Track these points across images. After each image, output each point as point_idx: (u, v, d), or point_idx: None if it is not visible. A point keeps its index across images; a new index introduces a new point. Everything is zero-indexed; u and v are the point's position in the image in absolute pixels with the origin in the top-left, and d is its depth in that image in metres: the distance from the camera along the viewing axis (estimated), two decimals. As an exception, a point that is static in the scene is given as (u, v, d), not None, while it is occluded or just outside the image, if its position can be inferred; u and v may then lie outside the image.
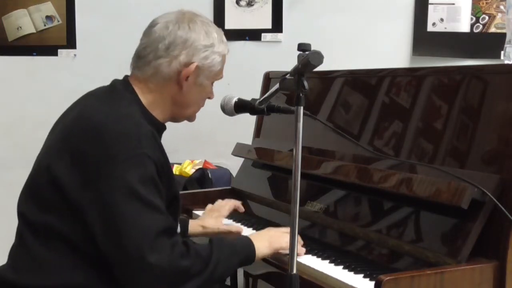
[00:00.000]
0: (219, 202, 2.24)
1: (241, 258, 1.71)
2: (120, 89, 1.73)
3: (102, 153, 1.55)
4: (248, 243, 1.75)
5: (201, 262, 1.60)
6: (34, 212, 1.63)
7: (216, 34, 1.78)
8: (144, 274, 1.52)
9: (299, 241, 1.80)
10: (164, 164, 1.65)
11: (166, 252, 1.54)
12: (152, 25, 1.76)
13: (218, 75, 1.81)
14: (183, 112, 1.81)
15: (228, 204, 2.22)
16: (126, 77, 1.78)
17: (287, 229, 1.82)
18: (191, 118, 1.86)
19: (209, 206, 2.24)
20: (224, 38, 1.81)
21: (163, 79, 1.73)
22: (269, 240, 1.79)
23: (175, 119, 1.83)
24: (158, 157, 1.61)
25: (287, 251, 1.72)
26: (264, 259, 1.85)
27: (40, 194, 1.63)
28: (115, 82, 1.78)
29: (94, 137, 1.57)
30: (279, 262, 1.83)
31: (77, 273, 1.58)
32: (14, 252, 1.69)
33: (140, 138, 1.58)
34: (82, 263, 1.58)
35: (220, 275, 1.65)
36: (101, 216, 1.54)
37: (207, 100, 1.87)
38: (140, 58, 1.75)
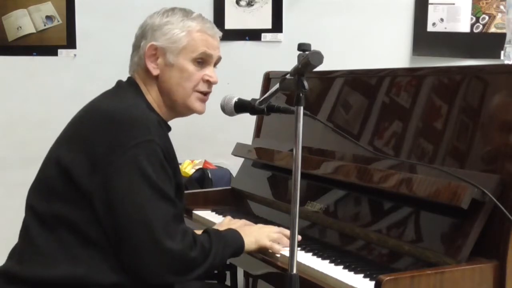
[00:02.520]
0: (228, 218, 2.22)
1: (232, 251, 1.78)
2: (125, 86, 1.80)
3: (110, 139, 1.58)
4: (238, 237, 1.81)
5: (204, 254, 1.65)
6: (43, 203, 1.65)
7: (181, 14, 1.79)
8: (158, 259, 1.57)
9: (284, 242, 1.88)
10: (170, 152, 1.68)
11: (178, 239, 1.59)
12: None
13: (192, 51, 1.76)
14: (173, 99, 1.79)
15: (240, 222, 2.16)
16: (129, 77, 1.83)
17: (276, 228, 1.93)
18: (190, 107, 1.80)
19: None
20: (197, 18, 1.79)
21: (141, 70, 1.79)
22: (256, 237, 1.85)
23: (176, 111, 1.83)
24: (165, 144, 1.64)
25: (271, 250, 1.85)
26: (264, 259, 1.87)
27: (50, 185, 1.65)
28: (120, 81, 1.83)
29: (103, 125, 1.61)
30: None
31: (83, 263, 1.59)
32: (19, 247, 1.70)
33: (148, 125, 1.61)
34: (88, 253, 1.60)
35: (214, 267, 1.70)
36: (112, 202, 1.56)
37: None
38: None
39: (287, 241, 1.87)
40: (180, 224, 1.64)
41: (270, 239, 1.87)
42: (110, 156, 1.57)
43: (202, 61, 1.79)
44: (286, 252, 1.83)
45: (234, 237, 1.81)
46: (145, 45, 1.77)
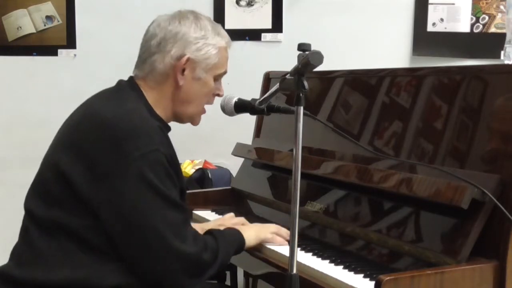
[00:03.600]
0: (229, 214, 2.24)
1: (235, 249, 1.81)
2: (125, 88, 1.77)
3: (113, 150, 1.57)
4: (239, 235, 1.84)
5: (214, 256, 1.68)
6: (41, 208, 1.64)
7: (211, 27, 1.79)
8: (175, 264, 1.59)
9: (284, 235, 1.94)
10: (173, 157, 1.68)
11: (190, 242, 1.62)
12: (149, 25, 1.81)
13: (218, 68, 1.80)
14: (185, 109, 1.80)
15: (236, 219, 2.18)
16: (131, 77, 1.81)
17: (273, 226, 1.97)
18: (194, 119, 1.85)
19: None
20: (222, 32, 1.81)
21: (159, 75, 1.75)
22: (255, 232, 1.89)
23: (179, 118, 1.83)
24: (168, 150, 1.64)
25: (271, 242, 1.90)
26: (264, 259, 1.87)
27: (48, 190, 1.64)
28: (120, 81, 1.81)
29: (102, 134, 1.60)
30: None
31: (83, 267, 1.59)
32: (18, 249, 1.70)
33: (150, 133, 1.60)
34: (87, 258, 1.60)
35: (220, 267, 1.72)
36: (121, 214, 1.57)
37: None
38: (138, 58, 1.80)
39: (285, 236, 1.92)
40: (189, 227, 1.66)
41: (270, 232, 1.91)
42: (114, 168, 1.56)
43: (219, 77, 1.83)
44: (286, 251, 1.82)
45: (235, 235, 1.83)
46: (178, 54, 1.73)
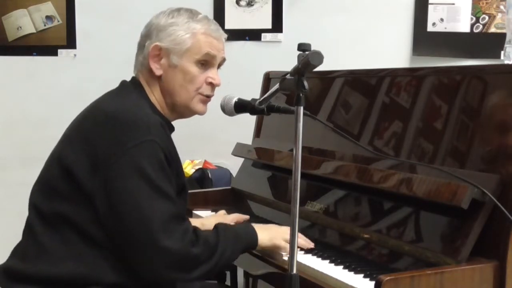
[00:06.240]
0: (223, 211, 2.24)
1: (244, 245, 1.75)
2: (128, 86, 1.80)
3: (111, 139, 1.59)
4: (251, 231, 1.79)
5: (209, 250, 1.64)
6: (46, 202, 1.66)
7: (187, 16, 1.78)
8: (156, 258, 1.56)
9: (302, 237, 1.87)
10: (172, 153, 1.68)
11: (177, 237, 1.58)
12: None
13: (195, 53, 1.76)
14: (176, 102, 1.79)
15: (233, 215, 2.20)
16: (133, 77, 1.84)
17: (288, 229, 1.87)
18: (191, 108, 1.81)
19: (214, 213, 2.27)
20: (203, 21, 1.79)
21: (145, 70, 1.79)
22: (270, 235, 1.82)
23: (177, 112, 1.83)
24: (166, 145, 1.64)
25: (283, 251, 1.82)
26: (264, 260, 1.87)
27: (52, 184, 1.65)
28: (124, 81, 1.83)
29: (104, 125, 1.62)
30: (277, 261, 1.84)
31: (86, 262, 1.60)
32: (22, 246, 1.71)
33: (149, 126, 1.61)
34: (92, 252, 1.60)
35: (225, 262, 1.68)
36: (111, 201, 1.57)
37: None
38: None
39: (300, 242, 1.84)
40: (180, 223, 1.62)
41: (284, 240, 1.83)
42: (110, 157, 1.58)
43: (206, 62, 1.80)
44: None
45: (246, 231, 1.79)
46: (149, 45, 1.77)
